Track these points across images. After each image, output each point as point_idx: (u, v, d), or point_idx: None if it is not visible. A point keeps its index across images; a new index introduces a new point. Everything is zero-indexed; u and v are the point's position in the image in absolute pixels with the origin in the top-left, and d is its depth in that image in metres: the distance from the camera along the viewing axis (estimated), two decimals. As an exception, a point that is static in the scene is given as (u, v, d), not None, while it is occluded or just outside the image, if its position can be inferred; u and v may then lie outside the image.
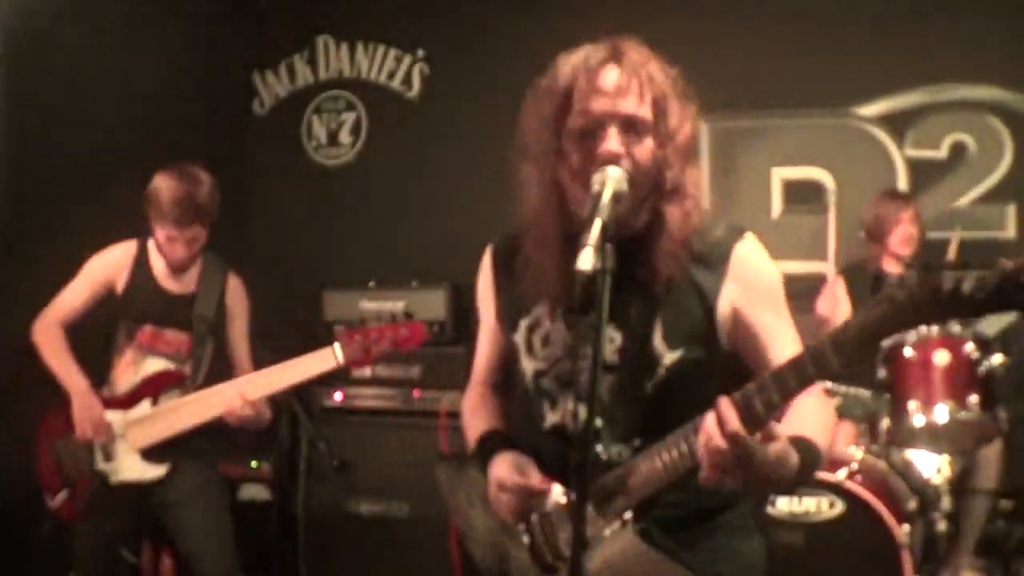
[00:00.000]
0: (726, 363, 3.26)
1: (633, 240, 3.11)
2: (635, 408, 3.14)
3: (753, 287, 3.19)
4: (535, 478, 3.21)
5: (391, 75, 9.60)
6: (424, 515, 7.21)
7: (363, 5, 9.70)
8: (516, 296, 3.37)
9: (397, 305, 7.51)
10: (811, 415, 3.05)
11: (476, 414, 3.65)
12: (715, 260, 3.16)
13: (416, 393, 7.47)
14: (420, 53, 9.49)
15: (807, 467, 2.86)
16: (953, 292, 2.49)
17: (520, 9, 8.97)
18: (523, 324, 3.36)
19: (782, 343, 3.17)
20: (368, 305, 7.78)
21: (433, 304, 7.56)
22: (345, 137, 9.71)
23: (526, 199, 3.22)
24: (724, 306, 3.16)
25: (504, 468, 3.26)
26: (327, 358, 5.70)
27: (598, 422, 2.98)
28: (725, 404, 2.74)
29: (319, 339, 7.29)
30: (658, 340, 3.14)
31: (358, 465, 7.46)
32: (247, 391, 5.68)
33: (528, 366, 3.35)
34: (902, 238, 7.64)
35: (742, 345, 3.21)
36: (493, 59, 8.75)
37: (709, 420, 2.76)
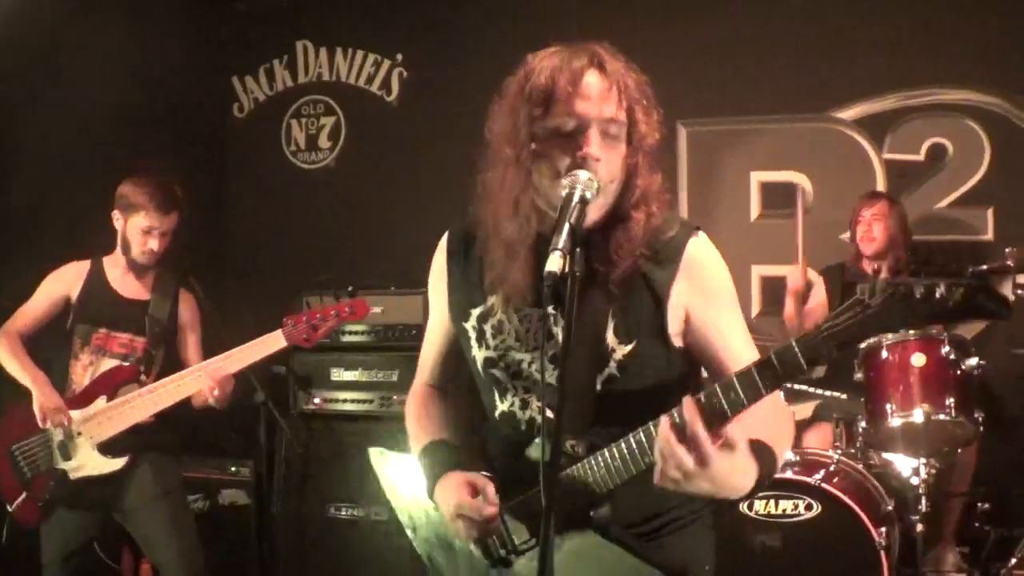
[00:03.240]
0: (678, 360, 3.28)
1: (590, 234, 3.10)
2: (586, 401, 3.14)
3: (704, 285, 3.20)
4: (490, 499, 3.17)
5: (370, 80, 9.62)
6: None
7: (342, 11, 9.72)
8: (470, 284, 3.38)
9: (375, 309, 7.52)
10: (770, 420, 3.05)
11: (420, 420, 3.62)
12: (668, 257, 3.17)
13: (394, 397, 7.47)
14: (399, 58, 9.52)
15: (764, 477, 2.88)
16: (924, 299, 2.51)
17: (497, 15, 9.00)
18: (475, 313, 3.36)
19: (733, 342, 3.21)
20: (340, 295, 7.79)
21: (411, 309, 7.55)
22: (324, 141, 9.72)
23: (494, 196, 3.20)
24: (675, 303, 3.17)
25: (459, 492, 3.20)
26: (273, 340, 5.98)
27: (549, 414, 2.97)
28: (689, 405, 2.75)
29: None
30: (610, 334, 3.16)
31: (336, 469, 7.46)
32: (202, 370, 5.93)
33: (479, 355, 3.35)
34: (863, 235, 7.66)
35: (693, 342, 3.23)
36: (471, 64, 8.77)
37: (666, 420, 2.79)
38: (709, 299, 3.21)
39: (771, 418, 3.04)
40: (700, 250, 3.22)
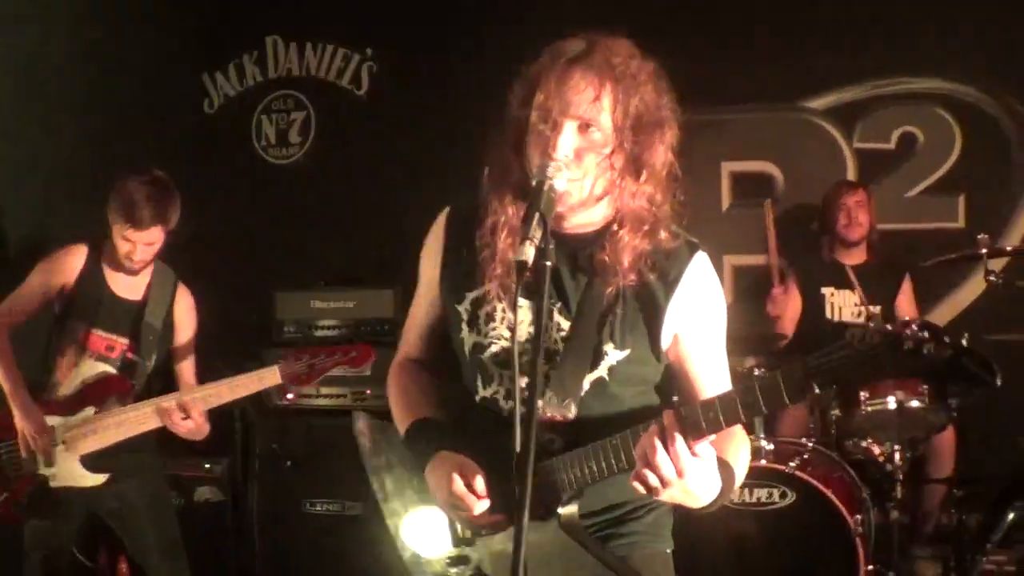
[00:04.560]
0: (661, 374, 3.33)
1: (596, 237, 3.16)
2: (571, 399, 3.15)
3: (700, 307, 3.22)
4: (480, 494, 3.15)
5: (340, 74, 9.59)
6: (378, 513, 7.18)
7: (312, 5, 9.68)
8: (468, 266, 3.33)
9: (347, 304, 7.51)
10: (734, 444, 3.11)
11: (405, 396, 3.60)
12: (671, 273, 3.17)
13: (368, 391, 7.46)
14: (368, 52, 9.48)
15: (723, 495, 2.96)
16: (911, 353, 2.51)
17: (467, 8, 8.97)
18: (470, 296, 3.34)
19: (713, 370, 3.27)
20: (319, 305, 7.76)
21: (382, 303, 7.53)
22: (294, 136, 9.69)
23: (493, 176, 3.23)
24: (671, 319, 3.19)
25: (451, 484, 3.17)
26: (268, 376, 5.78)
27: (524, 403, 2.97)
28: (670, 418, 2.79)
29: (271, 338, 7.34)
30: (606, 337, 3.17)
31: (311, 464, 7.45)
32: (188, 404, 5.69)
33: (468, 339, 3.34)
34: (847, 221, 7.72)
35: (676, 358, 3.27)
36: (440, 58, 8.75)
37: (653, 431, 2.81)
38: (702, 322, 3.24)
39: (735, 444, 3.11)
40: (701, 271, 3.24)
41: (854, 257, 7.83)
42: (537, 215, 2.78)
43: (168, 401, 5.73)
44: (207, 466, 7.77)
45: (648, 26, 8.33)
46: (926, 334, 2.51)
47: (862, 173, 8.47)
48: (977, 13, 8.16)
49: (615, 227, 3.14)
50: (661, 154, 3.15)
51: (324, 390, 7.65)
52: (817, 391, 2.67)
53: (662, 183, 3.17)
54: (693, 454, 2.78)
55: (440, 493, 3.25)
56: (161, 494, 6.34)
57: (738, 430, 3.10)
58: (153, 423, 5.77)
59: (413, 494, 3.49)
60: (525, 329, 3.19)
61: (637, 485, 2.83)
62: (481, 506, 3.14)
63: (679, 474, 2.76)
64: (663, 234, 3.16)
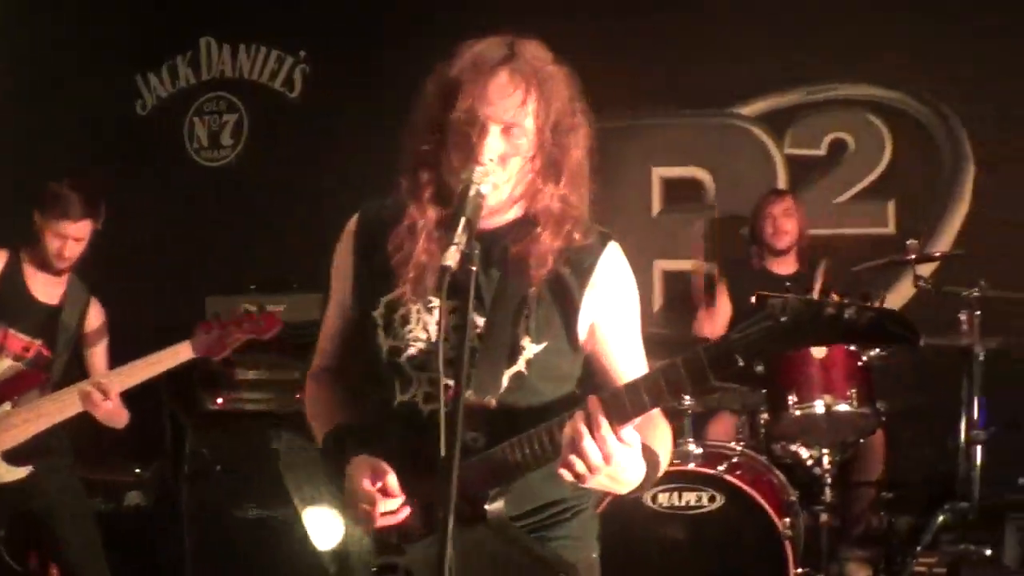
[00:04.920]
0: (580, 365, 3.33)
1: (508, 232, 3.15)
2: (491, 395, 3.13)
3: (613, 296, 3.23)
4: (392, 492, 3.15)
5: (273, 76, 9.57)
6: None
7: (245, 7, 9.66)
8: (380, 270, 3.30)
9: (278, 308, 7.48)
10: (657, 430, 3.12)
11: (322, 405, 3.57)
12: (583, 264, 3.18)
13: (297, 396, 7.43)
14: (302, 54, 9.47)
15: (648, 480, 2.97)
16: (833, 319, 2.54)
17: (400, 10, 8.96)
18: (383, 301, 3.30)
19: (630, 356, 3.28)
20: (250, 308, 7.72)
21: (314, 307, 7.45)
22: (226, 139, 9.67)
23: (406, 180, 3.19)
24: (586, 310, 3.19)
25: (363, 479, 3.16)
26: (182, 351, 5.81)
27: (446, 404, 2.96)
28: (595, 404, 2.79)
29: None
30: (521, 332, 3.16)
31: (241, 469, 7.42)
32: (107, 384, 5.70)
33: (384, 344, 3.29)
34: (773, 231, 7.75)
35: (593, 349, 3.27)
36: (373, 60, 8.74)
37: (578, 417, 2.80)
38: (616, 311, 3.25)
39: (658, 430, 3.11)
40: (614, 261, 3.24)
41: (784, 266, 7.85)
42: (464, 220, 2.79)
43: (87, 385, 5.74)
44: (137, 471, 7.73)
45: (580, 31, 8.44)
46: (846, 300, 2.54)
47: (792, 179, 8.54)
48: (907, 19, 8.24)
49: (530, 224, 3.15)
50: (577, 156, 3.15)
51: (254, 395, 7.63)
52: (741, 363, 2.69)
53: (578, 184, 3.17)
54: (619, 439, 2.78)
55: (349, 492, 3.22)
56: (81, 497, 6.32)
57: (659, 417, 3.12)
58: (73, 409, 5.77)
59: (330, 502, 3.47)
60: (440, 331, 3.17)
61: (564, 473, 2.83)
62: (387, 504, 3.12)
63: (606, 459, 2.76)
64: (577, 233, 3.17)
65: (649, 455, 2.96)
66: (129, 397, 5.84)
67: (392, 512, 3.14)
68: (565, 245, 3.14)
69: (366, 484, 3.13)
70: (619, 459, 2.78)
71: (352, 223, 3.46)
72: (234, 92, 9.75)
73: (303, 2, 9.44)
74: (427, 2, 8.93)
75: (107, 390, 5.65)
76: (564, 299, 3.18)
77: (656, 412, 2.99)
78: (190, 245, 9.36)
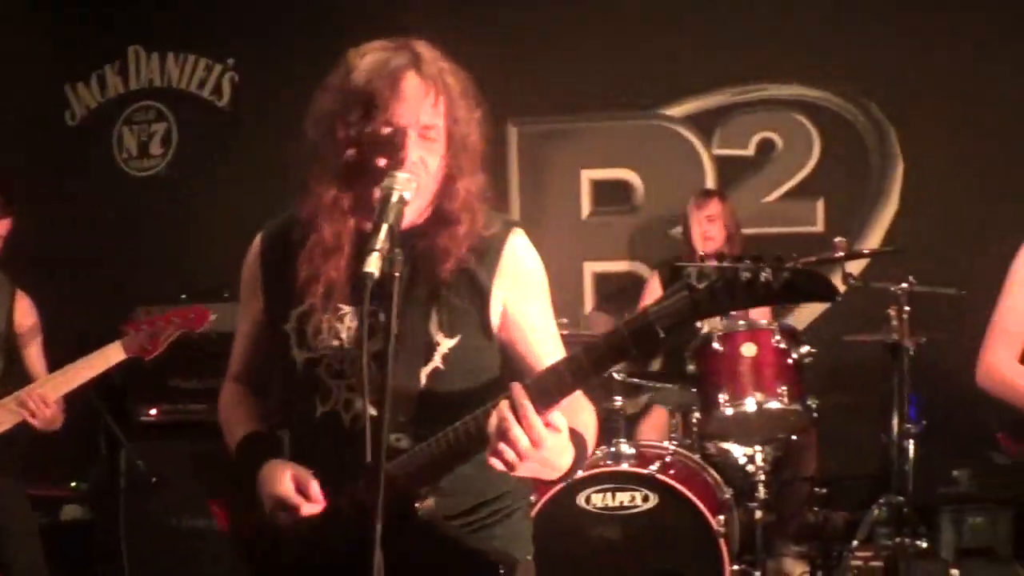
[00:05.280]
0: (499, 355, 3.33)
1: (414, 232, 3.14)
2: (411, 396, 3.14)
3: (521, 281, 3.25)
4: (314, 497, 3.15)
5: (201, 84, 9.54)
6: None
7: (173, 15, 9.62)
8: (289, 285, 3.28)
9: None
10: (582, 414, 3.13)
11: (235, 415, 3.56)
12: (489, 254, 3.20)
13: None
14: (230, 62, 9.45)
15: (577, 463, 2.97)
16: (750, 283, 2.56)
17: (326, 16, 8.96)
18: (294, 314, 3.29)
19: (545, 337, 3.30)
20: (183, 300, 7.70)
21: (244, 315, 7.49)
22: (156, 148, 9.62)
23: (313, 194, 3.18)
24: (496, 297, 3.21)
25: (283, 484, 3.15)
26: (113, 352, 5.76)
27: (373, 412, 2.96)
28: (519, 390, 2.79)
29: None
30: (434, 328, 3.17)
31: (177, 480, 7.38)
32: (45, 392, 5.67)
33: (299, 356, 3.29)
34: (699, 235, 7.75)
35: (507, 337, 3.28)
36: (301, 66, 8.70)
37: (504, 404, 2.81)
38: (525, 295, 3.27)
39: (583, 414, 3.11)
40: (519, 247, 3.26)
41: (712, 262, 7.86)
42: (386, 227, 2.80)
43: (24, 394, 5.69)
44: (73, 484, 7.69)
45: (509, 35, 8.46)
46: (761, 263, 2.57)
47: (721, 179, 8.60)
48: (833, 19, 8.32)
49: (440, 221, 3.17)
50: (479, 147, 3.19)
51: (186, 405, 7.60)
52: (662, 335, 2.70)
53: (480, 175, 3.20)
54: (546, 423, 2.79)
55: (268, 496, 3.20)
56: (30, 513, 6.28)
57: (583, 400, 3.13)
58: (12, 420, 5.72)
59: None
60: (354, 336, 3.18)
61: (495, 462, 2.82)
62: (310, 508, 3.12)
63: (535, 444, 2.76)
64: (481, 225, 3.19)
65: (576, 439, 2.97)
66: (63, 411, 5.81)
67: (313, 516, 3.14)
68: (472, 237, 3.17)
69: (287, 489, 3.13)
70: (548, 444, 2.79)
71: (256, 242, 3.48)
72: (163, 101, 9.71)
73: (231, 10, 9.42)
74: (352, 5, 8.94)
75: (46, 397, 5.62)
76: (473, 291, 3.19)
77: (579, 395, 3.01)
78: (121, 255, 9.31)
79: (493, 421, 2.83)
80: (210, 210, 9.18)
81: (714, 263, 2.62)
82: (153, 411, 7.63)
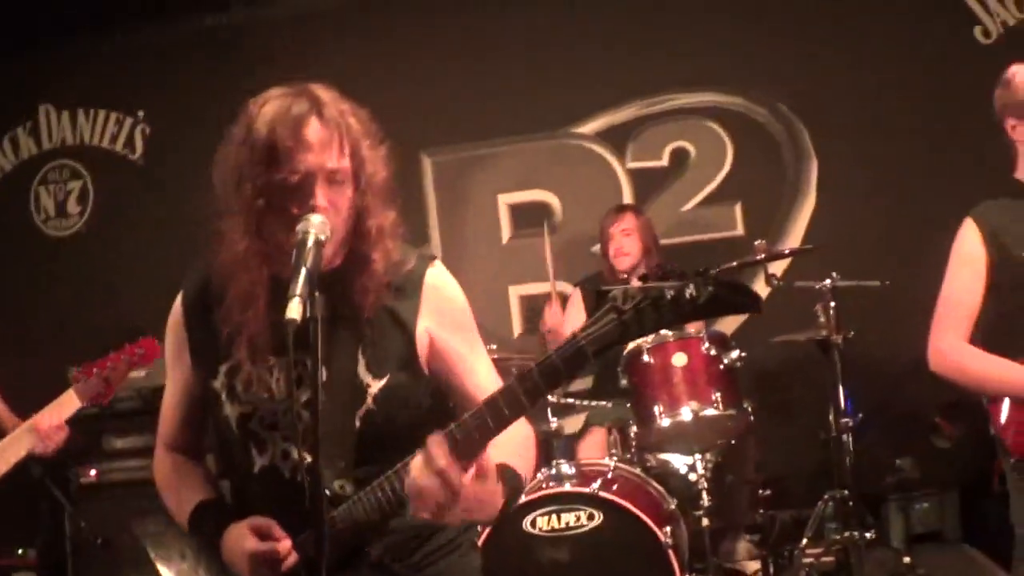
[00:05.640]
0: (432, 389, 3.33)
1: (332, 276, 3.13)
2: (348, 440, 3.14)
3: (444, 313, 3.27)
4: (279, 536, 3.13)
5: (114, 139, 9.50)
6: (194, 582, 7.13)
7: (82, 72, 9.58)
8: (214, 340, 3.29)
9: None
10: (517, 441, 3.13)
11: (177, 484, 3.53)
12: (409, 289, 3.22)
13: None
14: (140, 115, 9.41)
15: (511, 498, 3.00)
16: (674, 300, 2.59)
17: (229, 62, 8.95)
18: (223, 370, 3.29)
19: (477, 366, 3.31)
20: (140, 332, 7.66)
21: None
22: (73, 206, 9.57)
23: (225, 248, 3.17)
24: (421, 332, 3.22)
25: (248, 540, 3.14)
26: (67, 402, 5.62)
27: (309, 459, 2.96)
28: (434, 442, 2.81)
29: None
30: (362, 370, 3.17)
31: (123, 539, 7.33)
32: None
33: (231, 411, 3.28)
34: (615, 251, 7.74)
35: (437, 369, 3.29)
36: (211, 113, 8.65)
37: (417, 459, 2.83)
38: (450, 327, 3.28)
39: (517, 439, 3.11)
40: (438, 279, 3.29)
41: (635, 279, 7.86)
42: (304, 272, 2.80)
43: None
44: (20, 552, 7.63)
45: (415, 67, 8.47)
46: (685, 279, 2.61)
47: (637, 192, 8.65)
48: (737, 25, 8.38)
49: (357, 261, 3.18)
50: (386, 183, 3.21)
51: (127, 463, 7.55)
52: (593, 360, 2.73)
53: (390, 210, 3.22)
54: (475, 468, 2.81)
55: (243, 558, 3.17)
56: None
57: (517, 425, 3.03)
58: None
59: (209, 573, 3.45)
60: (284, 387, 3.19)
61: (421, 513, 2.85)
62: (284, 549, 3.10)
63: (455, 496, 2.78)
64: (396, 260, 3.21)
65: (507, 475, 2.99)
66: (3, 480, 5.76)
67: (288, 553, 3.11)
68: (388, 273, 3.18)
69: (255, 543, 3.12)
70: (469, 492, 2.80)
71: (177, 303, 3.45)
72: (77, 158, 9.67)
73: (137, 62, 9.39)
74: (256, 49, 8.93)
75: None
76: (397, 328, 3.20)
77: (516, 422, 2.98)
78: (46, 317, 9.25)
79: (411, 476, 2.85)
80: (131, 265, 9.14)
81: (638, 283, 2.64)
82: (92, 472, 7.58)
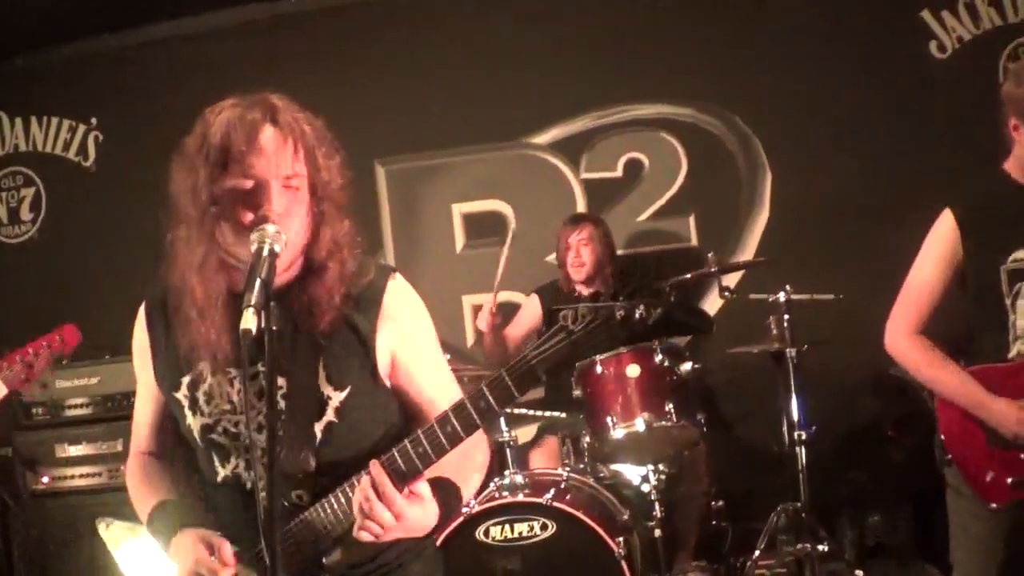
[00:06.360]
0: (394, 401, 3.35)
1: (290, 288, 3.16)
2: (307, 451, 3.15)
3: (404, 327, 3.28)
4: (226, 559, 3.12)
5: (66, 146, 9.46)
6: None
7: (33, 79, 9.53)
8: (175, 353, 3.31)
9: (92, 380, 7.40)
10: (463, 450, 3.09)
11: (143, 486, 3.54)
12: (369, 302, 3.23)
13: (122, 467, 7.32)
14: (93, 122, 9.38)
15: (449, 511, 3.06)
16: (624, 321, 2.60)
17: (184, 69, 8.93)
18: (185, 381, 3.31)
19: (437, 378, 3.35)
20: (64, 384, 7.60)
21: (127, 376, 7.29)
22: (26, 213, 9.53)
23: (181, 258, 3.17)
24: (381, 345, 3.23)
25: (196, 549, 3.16)
26: None
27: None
28: (376, 467, 2.88)
29: (19, 421, 7.21)
30: (323, 383, 3.18)
31: (74, 546, 7.29)
32: None
33: (195, 423, 3.30)
34: (572, 262, 7.78)
35: (397, 382, 3.31)
36: (164, 121, 8.60)
37: (365, 483, 2.89)
38: (410, 340, 3.30)
39: (462, 447, 3.06)
40: (399, 293, 3.30)
41: (592, 287, 7.89)
42: (259, 281, 2.79)
43: None
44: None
45: (369, 77, 8.46)
46: (635, 300, 2.65)
47: (591, 203, 8.65)
48: (691, 36, 8.40)
49: (313, 272, 3.19)
50: (342, 194, 3.22)
51: (79, 470, 7.50)
52: (543, 378, 2.77)
53: (346, 220, 3.23)
54: (409, 493, 2.89)
55: (184, 565, 3.20)
56: None
57: (473, 443, 3.12)
58: None
59: None
60: (244, 399, 3.18)
61: (363, 535, 2.91)
62: (227, 573, 3.11)
63: (396, 518, 2.86)
64: (354, 271, 3.22)
65: (445, 491, 3.06)
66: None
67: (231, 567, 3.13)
68: (347, 285, 3.18)
69: (201, 553, 3.14)
70: (408, 515, 2.88)
71: (140, 315, 3.48)
72: (30, 166, 9.62)
73: (90, 68, 9.35)
74: (211, 56, 8.91)
75: None
76: (357, 341, 3.21)
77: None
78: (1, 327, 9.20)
79: (356, 499, 2.91)
80: (84, 272, 9.11)
81: (589, 303, 2.65)
82: (44, 479, 7.54)
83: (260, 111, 3.07)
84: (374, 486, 2.85)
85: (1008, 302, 4.39)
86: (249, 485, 3.24)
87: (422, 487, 2.92)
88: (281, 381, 3.16)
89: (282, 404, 3.16)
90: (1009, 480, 4.33)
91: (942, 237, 4.52)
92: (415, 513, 2.90)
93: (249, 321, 2.71)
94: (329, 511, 3.07)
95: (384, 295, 3.25)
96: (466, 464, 3.21)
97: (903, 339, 4.59)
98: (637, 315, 2.60)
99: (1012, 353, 4.40)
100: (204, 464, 3.39)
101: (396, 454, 2.90)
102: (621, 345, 2.80)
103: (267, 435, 2.75)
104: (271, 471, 2.73)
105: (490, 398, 2.83)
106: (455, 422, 2.87)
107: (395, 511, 2.84)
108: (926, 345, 4.55)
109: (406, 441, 2.92)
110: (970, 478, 4.45)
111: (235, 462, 3.28)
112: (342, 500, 3.03)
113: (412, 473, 2.89)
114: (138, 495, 3.55)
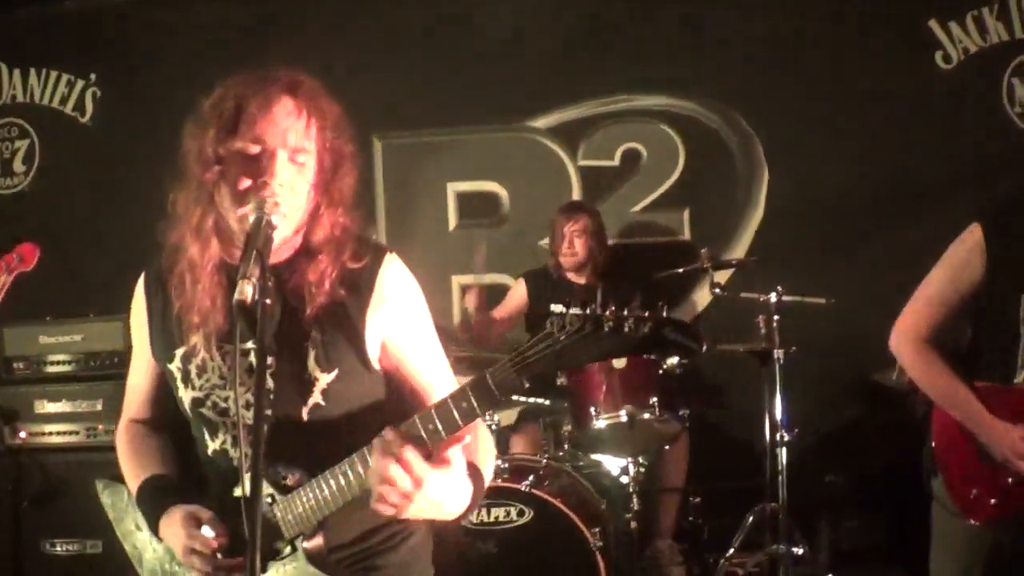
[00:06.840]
0: (382, 385, 3.32)
1: (284, 266, 3.15)
2: (294, 431, 3.14)
3: (397, 311, 3.24)
4: (217, 531, 3.12)
5: (64, 100, 9.41)
6: (119, 551, 7.03)
7: (34, 31, 9.48)
8: (172, 324, 3.30)
9: (76, 337, 7.35)
10: (479, 442, 3.12)
11: (133, 457, 3.54)
12: (362, 284, 3.20)
13: (100, 426, 7.30)
14: (92, 77, 9.33)
15: (475, 501, 3.00)
16: (612, 333, 2.56)
17: (186, 33, 8.89)
18: (179, 353, 3.29)
19: (426, 363, 3.30)
20: (47, 340, 7.55)
21: (112, 335, 7.34)
22: (18, 165, 9.47)
23: (180, 219, 3.17)
24: (373, 328, 3.20)
25: (186, 526, 3.15)
26: None
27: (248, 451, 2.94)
28: (390, 432, 2.80)
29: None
30: (312, 364, 3.15)
31: (49, 503, 7.26)
32: None
33: (186, 395, 3.29)
34: (565, 251, 7.81)
35: (389, 365, 3.28)
36: (163, 82, 8.62)
37: (379, 447, 2.81)
38: (403, 324, 3.26)
39: (478, 443, 3.11)
40: (394, 275, 3.26)
41: (582, 276, 7.94)
42: (255, 252, 2.77)
43: None
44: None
45: (373, 48, 8.42)
46: (625, 312, 2.57)
47: (587, 191, 8.64)
48: (696, 30, 8.38)
49: (307, 255, 3.18)
50: (350, 182, 3.20)
51: (57, 427, 7.46)
52: (527, 385, 2.73)
53: (352, 211, 3.21)
54: (438, 458, 2.80)
55: (176, 545, 3.19)
56: None
57: (481, 432, 3.14)
58: None
59: (163, 551, 3.41)
60: (233, 374, 3.17)
61: (380, 507, 2.83)
62: (218, 539, 3.10)
63: (416, 483, 2.76)
64: (350, 255, 3.19)
65: (475, 476, 3.00)
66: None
67: (222, 549, 3.12)
68: (341, 268, 3.16)
69: (190, 531, 3.13)
70: (433, 482, 2.79)
71: (140, 283, 3.46)
72: (25, 117, 9.57)
73: (93, 25, 9.31)
74: (215, 23, 8.86)
75: None
76: (347, 324, 3.18)
77: (479, 427, 3.04)
78: (-16, 273, 9.17)
79: (372, 464, 2.84)
80: (73, 227, 9.05)
81: (577, 312, 2.61)
82: (21, 434, 7.50)
83: (282, 83, 3.07)
84: (388, 448, 2.78)
85: (1022, 329, 4.33)
86: (236, 461, 3.23)
87: (445, 456, 2.83)
88: (270, 360, 3.10)
89: (270, 383, 3.13)
90: (992, 501, 4.31)
91: (965, 251, 4.44)
92: (439, 482, 2.81)
93: (242, 292, 2.68)
94: (314, 494, 3.04)
95: (377, 281, 3.22)
96: (486, 463, 3.17)
97: (908, 344, 4.54)
98: (626, 328, 2.56)
99: (1019, 379, 4.35)
100: (197, 436, 3.38)
101: (403, 426, 2.85)
102: (606, 357, 2.77)
103: (254, 413, 2.70)
104: (257, 449, 2.68)
105: (472, 400, 2.79)
106: (435, 418, 2.84)
107: (415, 475, 2.75)
108: (932, 353, 4.50)
109: (412, 419, 2.87)
110: (954, 491, 4.42)
111: (223, 437, 3.27)
112: (348, 475, 2.97)
113: (431, 439, 2.83)
114: (126, 467, 3.56)
